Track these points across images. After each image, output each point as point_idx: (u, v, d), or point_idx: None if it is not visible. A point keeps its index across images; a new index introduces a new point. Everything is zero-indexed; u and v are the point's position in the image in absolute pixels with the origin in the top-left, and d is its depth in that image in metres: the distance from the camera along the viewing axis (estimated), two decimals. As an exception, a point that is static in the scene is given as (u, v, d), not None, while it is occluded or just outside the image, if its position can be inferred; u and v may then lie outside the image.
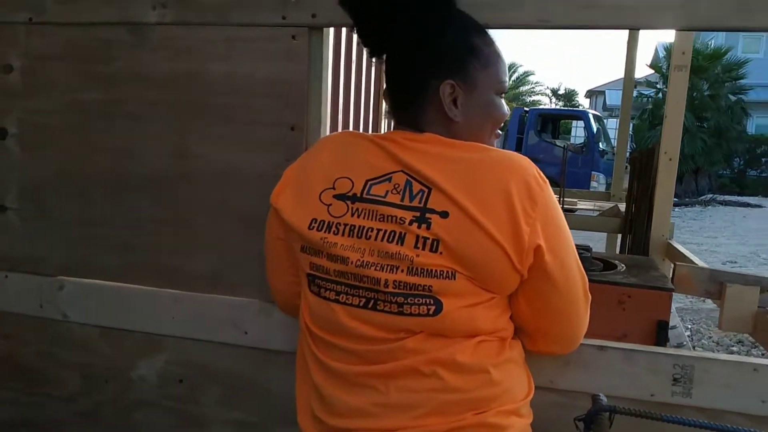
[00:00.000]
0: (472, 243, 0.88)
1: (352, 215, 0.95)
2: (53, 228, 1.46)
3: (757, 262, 7.51)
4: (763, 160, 18.07)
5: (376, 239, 0.92)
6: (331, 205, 0.97)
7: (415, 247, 0.90)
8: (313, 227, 0.96)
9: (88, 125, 1.42)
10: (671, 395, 1.13)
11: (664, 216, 3.21)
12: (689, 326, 4.95)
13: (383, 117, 3.41)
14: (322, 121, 1.30)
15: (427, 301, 0.90)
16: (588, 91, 28.69)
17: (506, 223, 0.88)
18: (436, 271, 0.89)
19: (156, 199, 1.40)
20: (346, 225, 0.94)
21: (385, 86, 1.06)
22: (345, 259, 0.93)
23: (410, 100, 1.00)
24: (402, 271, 0.90)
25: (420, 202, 0.91)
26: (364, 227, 0.93)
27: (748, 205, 14.08)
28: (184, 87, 1.35)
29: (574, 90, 33.09)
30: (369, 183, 0.96)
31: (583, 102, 30.90)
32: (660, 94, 15.72)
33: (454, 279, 0.89)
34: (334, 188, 0.98)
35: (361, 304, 0.93)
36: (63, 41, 1.41)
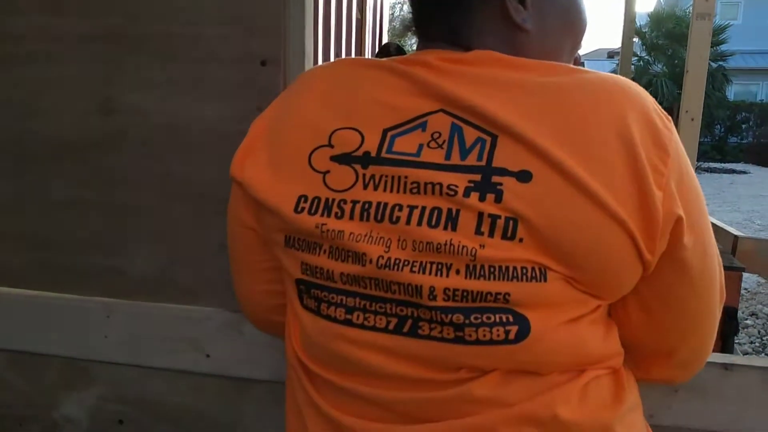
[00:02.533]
0: (574, 220, 0.53)
1: (366, 187, 0.59)
2: (-66, 218, 1.05)
3: (754, 229, 7.34)
4: (744, 126, 18.02)
5: (409, 223, 0.56)
6: (328, 172, 0.61)
7: (478, 232, 0.54)
8: (303, 209, 0.60)
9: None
10: (827, 431, 0.78)
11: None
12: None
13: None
14: (306, 53, 0.91)
15: (504, 319, 0.55)
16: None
17: (628, 184, 0.54)
18: (515, 269, 0.54)
19: (75, 174, 1.00)
20: (356, 202, 0.58)
21: None
22: (360, 255, 0.57)
23: (452, 2, 0.63)
24: (458, 272, 0.54)
25: (480, 159, 0.56)
26: (386, 205, 0.57)
27: (733, 171, 14.06)
28: (107, 14, 0.95)
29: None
30: (389, 134, 0.60)
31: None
32: (642, 62, 15.53)
33: (545, 281, 0.54)
34: (331, 146, 0.61)
35: (392, 327, 0.58)
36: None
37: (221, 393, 0.98)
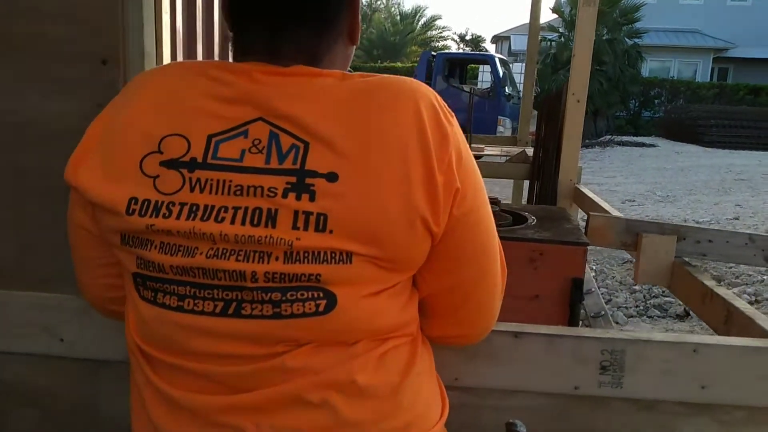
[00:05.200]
0: (373, 210, 0.63)
1: (192, 190, 0.65)
2: None
3: (654, 200, 7.80)
4: (656, 101, 18.92)
5: (233, 223, 0.64)
6: (158, 176, 0.67)
7: (294, 227, 0.63)
8: (134, 210, 0.66)
9: None
10: (598, 386, 0.93)
11: (572, 160, 3.10)
12: (594, 267, 5.00)
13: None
14: (145, 51, 0.96)
15: (315, 295, 0.65)
16: (494, 37, 28.82)
17: (417, 173, 0.64)
18: (325, 254, 0.64)
19: None
20: (183, 205, 0.65)
21: None
22: (190, 249, 0.65)
23: (316, 16, 0.72)
24: (277, 259, 0.63)
25: (295, 163, 0.64)
26: (213, 207, 0.65)
27: (643, 144, 14.77)
28: (-54, 8, 0.96)
29: (480, 36, 33.27)
30: (214, 140, 0.67)
31: (490, 48, 31.11)
32: (562, 38, 15.98)
33: (351, 263, 0.64)
34: (161, 152, 0.67)
35: (218, 310, 0.66)
36: None
37: (76, 374, 1.04)
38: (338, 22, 0.73)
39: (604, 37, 15.47)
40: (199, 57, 2.45)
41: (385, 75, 0.70)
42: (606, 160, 12.09)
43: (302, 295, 0.64)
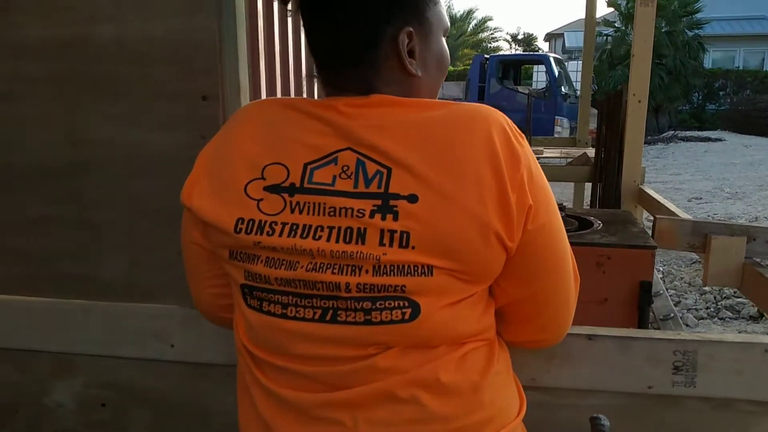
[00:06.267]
0: (450, 229, 0.71)
1: (292, 211, 0.74)
2: (-71, 237, 1.21)
3: (722, 197, 7.54)
4: (721, 93, 18.21)
5: (328, 240, 0.72)
6: (262, 200, 0.76)
7: (381, 244, 0.71)
8: (241, 229, 0.76)
9: (-44, 111, 1.15)
10: (672, 386, 0.97)
11: (634, 160, 3.09)
12: (660, 268, 4.90)
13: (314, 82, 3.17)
14: (241, 88, 1.07)
15: (401, 304, 0.72)
16: (547, 35, 28.40)
17: (491, 192, 0.71)
18: (408, 267, 0.71)
19: (49, 195, 1.15)
20: (285, 224, 0.74)
21: (310, 44, 0.82)
22: (292, 263, 0.74)
23: (357, 58, 0.79)
24: (367, 272, 0.72)
25: (380, 187, 0.72)
26: (310, 226, 0.74)
27: (708, 139, 14.22)
28: (67, 56, 1.10)
29: (532, 34, 32.83)
30: (309, 168, 0.76)
31: (543, 46, 30.68)
32: (619, 33, 15.62)
33: (432, 275, 0.71)
34: (263, 178, 0.77)
35: (317, 316, 0.74)
36: None
37: (184, 376, 1.16)
38: (378, 63, 0.79)
39: (663, 30, 15.03)
40: (291, 93, 2.66)
41: (459, 103, 0.77)
42: (669, 157, 11.74)
43: (389, 304, 0.72)
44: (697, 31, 15.82)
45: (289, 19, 2.72)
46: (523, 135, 0.77)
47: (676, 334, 0.97)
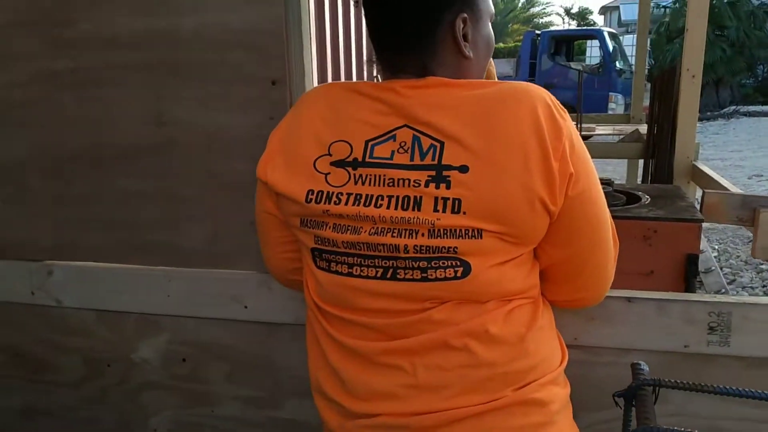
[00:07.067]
0: (499, 196, 0.79)
1: (356, 183, 0.85)
2: (34, 209, 1.37)
3: (785, 174, 7.27)
4: (789, 65, 17.31)
5: (388, 207, 0.83)
6: (329, 173, 0.87)
7: (435, 210, 0.81)
8: (311, 199, 0.87)
9: (56, 97, 1.30)
10: (707, 345, 1.04)
11: (688, 137, 3.05)
12: (716, 246, 4.83)
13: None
14: (306, 73, 1.17)
15: (454, 263, 0.81)
16: (602, 7, 27.55)
17: (536, 161, 0.79)
18: (460, 230, 0.80)
19: (138, 171, 1.29)
20: (350, 195, 0.85)
21: (371, 31, 0.92)
22: (356, 228, 0.84)
23: (416, 42, 0.88)
24: (423, 235, 0.81)
25: (434, 159, 0.82)
26: (372, 196, 0.84)
27: (773, 114, 13.59)
28: (154, 46, 1.22)
29: (587, 8, 31.82)
30: (370, 144, 0.86)
31: (598, 19, 29.73)
32: (677, 5, 15.04)
33: (481, 238, 0.80)
34: (330, 154, 0.88)
35: (379, 275, 0.85)
36: (23, 4, 1.28)
37: (256, 334, 1.29)
38: (435, 47, 0.87)
39: (725, 0, 14.39)
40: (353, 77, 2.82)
41: (506, 81, 0.86)
42: (731, 132, 11.32)
43: (443, 263, 0.82)
44: (763, 0, 15.07)
45: (352, 9, 2.82)
46: (565, 110, 0.85)
47: (712, 297, 1.03)
